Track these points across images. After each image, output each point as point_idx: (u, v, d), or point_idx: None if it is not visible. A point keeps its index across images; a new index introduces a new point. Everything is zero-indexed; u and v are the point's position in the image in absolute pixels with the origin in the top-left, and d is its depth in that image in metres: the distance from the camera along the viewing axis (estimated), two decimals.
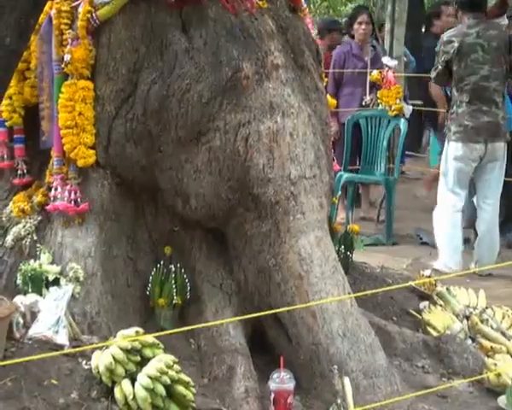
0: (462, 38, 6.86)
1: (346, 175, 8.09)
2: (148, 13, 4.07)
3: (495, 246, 6.93)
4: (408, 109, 8.32)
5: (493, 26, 7.11)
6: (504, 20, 8.57)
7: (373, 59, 8.69)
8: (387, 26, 9.32)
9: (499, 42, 6.86)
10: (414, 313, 4.88)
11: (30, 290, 3.97)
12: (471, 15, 6.97)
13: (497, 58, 6.85)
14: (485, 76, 6.82)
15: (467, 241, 7.82)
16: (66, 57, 4.06)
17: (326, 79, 7.68)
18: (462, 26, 7.05)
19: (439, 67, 6.95)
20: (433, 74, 7.10)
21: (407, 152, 10.31)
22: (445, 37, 7.03)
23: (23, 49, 3.15)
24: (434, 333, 4.61)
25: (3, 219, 4.32)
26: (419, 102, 9.61)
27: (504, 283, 6.48)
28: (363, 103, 8.58)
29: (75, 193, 4.11)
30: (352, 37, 9.07)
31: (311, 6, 19.20)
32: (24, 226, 4.21)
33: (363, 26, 8.75)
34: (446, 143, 7.03)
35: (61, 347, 3.69)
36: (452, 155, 6.91)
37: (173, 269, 4.14)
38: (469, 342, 4.56)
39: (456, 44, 6.85)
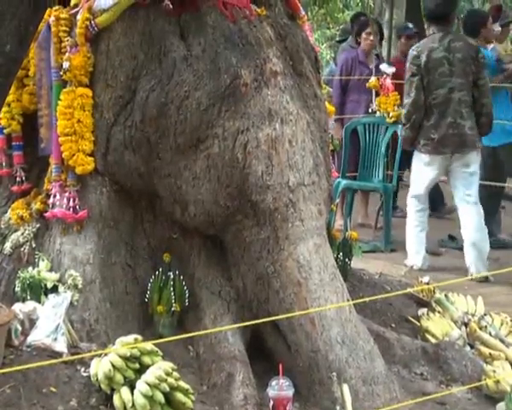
0: (428, 52, 6.96)
1: (344, 182, 8.10)
2: (147, 20, 4.08)
3: (483, 252, 6.96)
4: None
5: (459, 37, 7.22)
6: (497, 27, 8.60)
7: (376, 67, 8.69)
8: (385, 33, 9.36)
9: (464, 53, 6.94)
10: (412, 319, 4.89)
11: (28, 298, 3.97)
12: (437, 28, 7.08)
13: (463, 69, 6.93)
14: (452, 88, 6.93)
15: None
16: (65, 64, 4.06)
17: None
18: (429, 39, 7.17)
19: (413, 91, 7.00)
20: (407, 103, 7.08)
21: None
22: (412, 51, 7.12)
23: (23, 56, 3.16)
24: (433, 340, 4.62)
25: (2, 226, 4.32)
26: None
27: (503, 289, 6.47)
28: (370, 110, 8.54)
29: (74, 200, 4.10)
30: (358, 44, 9.08)
31: (309, 13, 19.20)
32: (22, 233, 4.21)
33: (371, 37, 8.81)
34: (415, 153, 7.16)
35: (59, 354, 3.68)
36: (420, 164, 7.09)
37: (172, 276, 4.13)
38: (468, 348, 4.57)
39: (423, 59, 6.95)
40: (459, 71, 6.91)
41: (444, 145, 6.89)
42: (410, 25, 9.73)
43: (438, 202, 9.42)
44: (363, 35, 8.84)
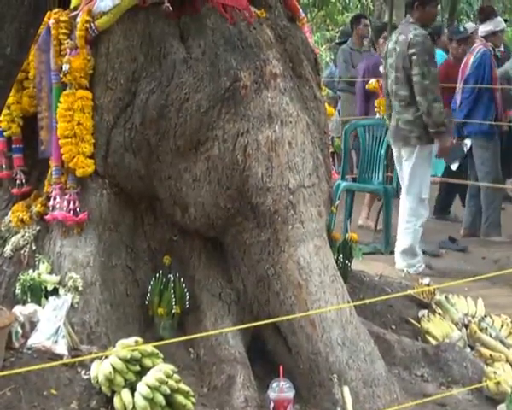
0: (388, 41, 7.18)
1: (344, 184, 8.11)
2: (147, 22, 4.08)
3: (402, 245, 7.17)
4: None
5: (405, 30, 7.16)
6: (487, 27, 8.57)
7: None
8: (385, 35, 9.35)
9: (401, 47, 7.00)
10: (413, 321, 4.88)
11: (29, 300, 3.97)
12: (405, 18, 7.30)
13: (397, 64, 7.03)
14: (392, 81, 7.11)
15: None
16: (65, 67, 4.06)
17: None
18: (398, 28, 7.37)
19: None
20: None
21: None
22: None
23: (23, 58, 3.15)
24: (433, 341, 4.61)
25: (2, 228, 4.31)
26: None
27: (503, 291, 6.48)
28: None
29: (74, 203, 4.10)
30: (375, 49, 9.01)
31: (308, 15, 19.23)
32: (23, 236, 4.21)
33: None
34: None
35: (60, 357, 3.69)
36: None
37: (172, 278, 4.13)
38: (468, 350, 4.57)
39: (385, 48, 7.24)
40: (396, 64, 7.05)
41: (391, 136, 7.26)
42: (463, 28, 9.58)
43: (444, 207, 9.37)
44: (381, 40, 8.68)
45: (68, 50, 4.07)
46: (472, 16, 21.92)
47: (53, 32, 4.13)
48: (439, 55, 11.56)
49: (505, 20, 10.73)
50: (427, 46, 7.01)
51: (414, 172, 7.09)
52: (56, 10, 4.14)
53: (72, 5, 4.20)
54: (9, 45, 2.86)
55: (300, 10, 4.68)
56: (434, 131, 6.93)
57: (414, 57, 6.89)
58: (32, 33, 3.01)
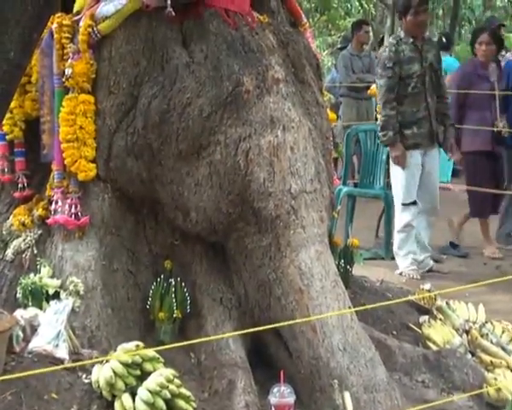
0: None
1: (345, 189, 8.11)
2: (149, 27, 4.08)
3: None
4: None
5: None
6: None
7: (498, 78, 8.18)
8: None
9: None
10: (414, 327, 4.88)
11: (30, 304, 3.97)
12: None
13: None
14: None
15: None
16: (67, 71, 4.07)
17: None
18: None
19: None
20: None
21: None
22: None
23: (27, 63, 3.15)
24: (434, 347, 4.61)
25: (4, 232, 4.32)
26: None
27: (504, 297, 6.47)
28: (495, 130, 8.02)
29: (76, 207, 4.10)
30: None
31: (310, 20, 19.26)
32: (24, 240, 4.21)
33: (483, 47, 8.14)
34: None
35: (61, 361, 3.69)
36: None
37: (173, 283, 4.13)
38: (469, 356, 4.57)
39: None
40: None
41: None
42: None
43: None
44: (476, 45, 8.40)
45: (71, 54, 4.08)
46: (474, 22, 21.92)
47: (56, 36, 4.13)
48: (452, 62, 11.54)
49: (503, 25, 10.75)
50: (383, 58, 7.18)
51: (395, 178, 7.25)
52: (59, 14, 4.14)
53: (74, 9, 4.20)
54: (13, 50, 2.86)
55: (303, 15, 4.68)
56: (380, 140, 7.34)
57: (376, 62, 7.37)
58: (35, 38, 3.02)
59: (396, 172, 7.18)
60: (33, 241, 4.21)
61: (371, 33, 10.87)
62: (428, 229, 7.46)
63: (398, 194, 7.20)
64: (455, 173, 11.22)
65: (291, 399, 3.61)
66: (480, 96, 8.02)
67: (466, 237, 8.43)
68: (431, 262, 7.46)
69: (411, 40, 7.10)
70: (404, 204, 7.15)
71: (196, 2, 4.10)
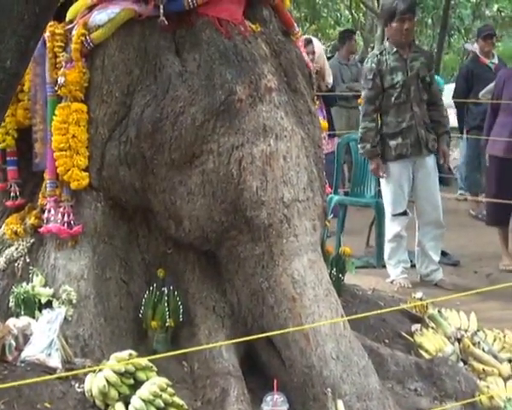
0: None
1: (336, 197, 8.12)
2: (142, 36, 4.09)
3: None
4: None
5: None
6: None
7: None
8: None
9: None
10: (406, 335, 4.88)
11: (22, 313, 3.96)
12: None
13: None
14: None
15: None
16: (60, 80, 4.06)
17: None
18: None
19: None
20: None
21: None
22: None
23: (23, 72, 3.15)
24: (426, 356, 4.62)
25: None
26: None
27: (495, 305, 6.48)
28: None
29: (68, 215, 4.10)
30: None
31: (300, 29, 19.31)
32: (16, 249, 4.21)
33: None
34: None
35: (53, 370, 3.67)
36: None
37: (166, 291, 4.13)
38: (461, 364, 4.57)
39: None
40: None
41: None
42: None
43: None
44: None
45: (64, 63, 4.08)
46: (463, 31, 22.00)
47: (48, 44, 4.13)
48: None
49: (494, 35, 10.74)
50: (365, 69, 7.22)
51: (384, 189, 7.29)
52: (52, 23, 4.13)
53: (67, 18, 4.20)
54: (9, 59, 2.87)
55: (295, 25, 4.69)
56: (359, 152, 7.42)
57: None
58: (32, 47, 3.02)
59: (384, 184, 7.20)
60: (26, 250, 4.20)
61: (361, 42, 10.88)
62: (435, 242, 7.27)
63: (388, 205, 7.21)
64: (442, 181, 11.22)
65: (284, 407, 3.62)
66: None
67: (457, 246, 8.43)
68: (439, 275, 7.29)
69: (395, 50, 7.04)
70: (393, 215, 7.15)
71: (189, 11, 4.10)
